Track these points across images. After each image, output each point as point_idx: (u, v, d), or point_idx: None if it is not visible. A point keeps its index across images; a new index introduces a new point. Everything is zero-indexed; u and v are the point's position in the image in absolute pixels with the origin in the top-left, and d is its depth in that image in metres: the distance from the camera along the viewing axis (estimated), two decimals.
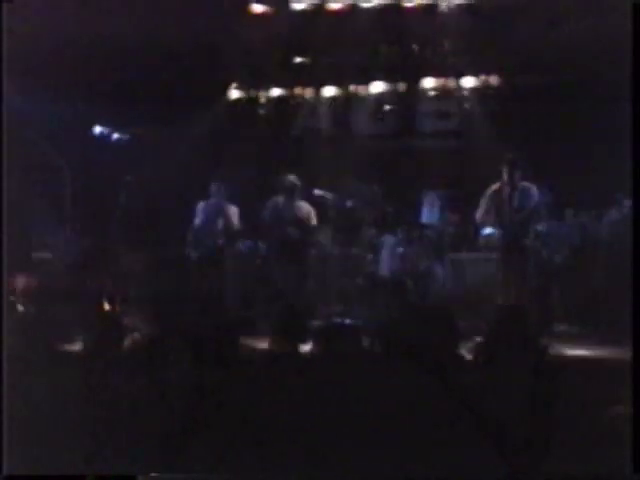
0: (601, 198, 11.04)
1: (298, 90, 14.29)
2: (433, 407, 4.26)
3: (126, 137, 13.75)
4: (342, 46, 13.20)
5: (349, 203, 12.29)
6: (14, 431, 4.42)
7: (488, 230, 10.77)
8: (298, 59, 13.85)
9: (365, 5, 12.64)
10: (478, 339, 5.75)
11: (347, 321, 10.72)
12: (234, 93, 14.28)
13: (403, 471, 4.11)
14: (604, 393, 4.58)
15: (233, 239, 11.66)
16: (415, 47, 13.43)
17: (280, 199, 11.36)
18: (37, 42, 10.45)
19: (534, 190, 10.53)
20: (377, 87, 14.04)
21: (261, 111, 14.38)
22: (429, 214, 12.40)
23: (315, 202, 11.58)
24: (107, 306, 10.78)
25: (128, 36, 11.58)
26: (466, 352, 5.18)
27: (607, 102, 10.66)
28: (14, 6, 5.25)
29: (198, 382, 4.74)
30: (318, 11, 12.71)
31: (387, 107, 14.22)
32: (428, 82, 13.86)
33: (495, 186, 10.64)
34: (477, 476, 4.13)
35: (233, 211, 11.45)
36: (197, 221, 11.58)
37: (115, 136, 13.21)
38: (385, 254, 11.55)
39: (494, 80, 13.48)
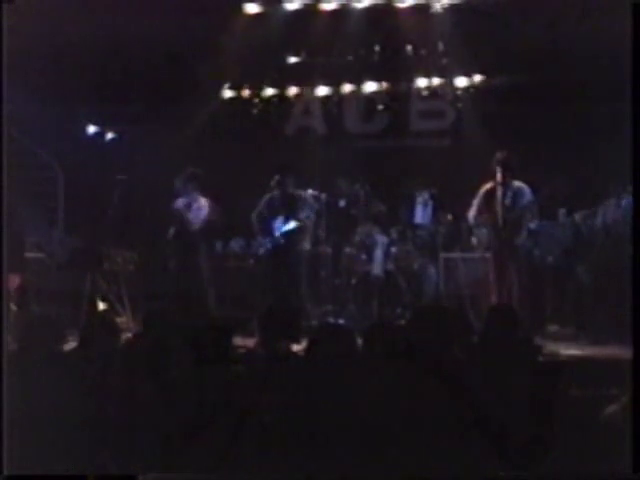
0: (596, 197, 11.05)
1: (290, 89, 14.29)
2: (429, 407, 4.27)
3: (118, 137, 13.78)
4: (334, 46, 13.20)
5: (342, 202, 12.31)
6: (14, 431, 4.41)
7: (481, 230, 10.78)
8: (290, 59, 13.85)
9: (357, 5, 12.62)
10: (472, 339, 5.77)
11: (340, 321, 10.75)
12: (226, 93, 14.27)
13: (401, 471, 4.11)
14: (602, 393, 4.60)
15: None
16: (407, 47, 13.44)
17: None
18: (37, 42, 10.45)
19: (527, 189, 10.54)
20: (370, 86, 14.04)
21: (253, 110, 14.37)
22: (422, 214, 12.40)
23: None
24: (101, 305, 10.80)
25: (125, 36, 11.58)
26: (461, 352, 5.18)
27: (606, 102, 10.74)
28: (14, 6, 5.25)
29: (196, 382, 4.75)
30: (310, 11, 12.68)
31: (380, 106, 14.23)
32: (421, 81, 13.87)
33: (488, 185, 10.65)
34: (477, 476, 4.13)
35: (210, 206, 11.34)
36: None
37: (108, 136, 13.25)
38: (378, 253, 11.55)
39: (487, 79, 13.49)
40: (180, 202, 11.16)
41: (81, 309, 10.46)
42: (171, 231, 11.20)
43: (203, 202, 11.18)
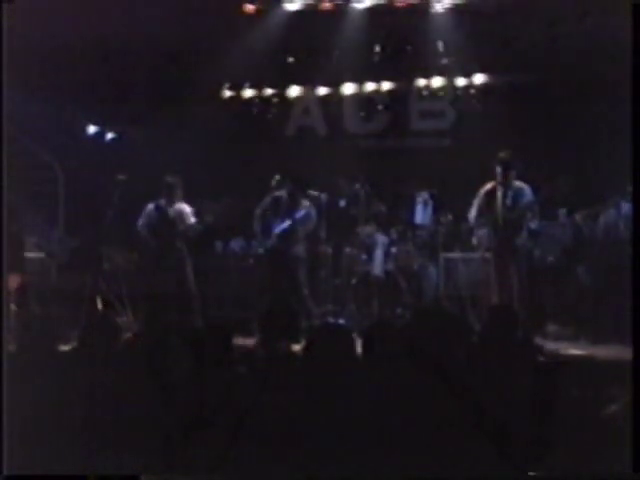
0: (596, 197, 11.06)
1: (290, 89, 14.29)
2: (429, 407, 4.26)
3: (118, 137, 13.77)
4: (334, 46, 13.21)
5: (342, 202, 12.31)
6: (14, 431, 4.40)
7: (481, 230, 10.77)
8: (290, 59, 13.84)
9: (357, 5, 12.61)
10: (472, 339, 5.76)
11: (340, 321, 10.74)
12: (226, 93, 14.27)
13: (401, 471, 4.10)
14: (603, 392, 4.59)
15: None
16: (407, 47, 13.44)
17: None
18: (37, 42, 10.46)
19: (527, 190, 10.54)
20: (370, 86, 14.04)
21: (253, 110, 14.38)
22: (422, 214, 12.40)
23: None
24: (101, 305, 10.80)
25: (125, 36, 11.58)
26: (461, 352, 5.17)
27: (606, 102, 10.74)
28: (14, 6, 5.25)
29: (196, 382, 4.74)
30: (310, 11, 12.67)
31: (380, 106, 14.24)
32: (421, 81, 13.88)
33: (488, 185, 10.64)
34: (477, 476, 4.12)
35: (186, 211, 11.33)
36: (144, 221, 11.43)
37: (108, 136, 13.25)
38: (378, 253, 11.55)
39: (487, 79, 13.49)
40: (171, 211, 11.20)
41: (81, 309, 10.45)
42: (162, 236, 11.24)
43: (187, 209, 11.24)
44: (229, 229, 12.71)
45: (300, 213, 11.11)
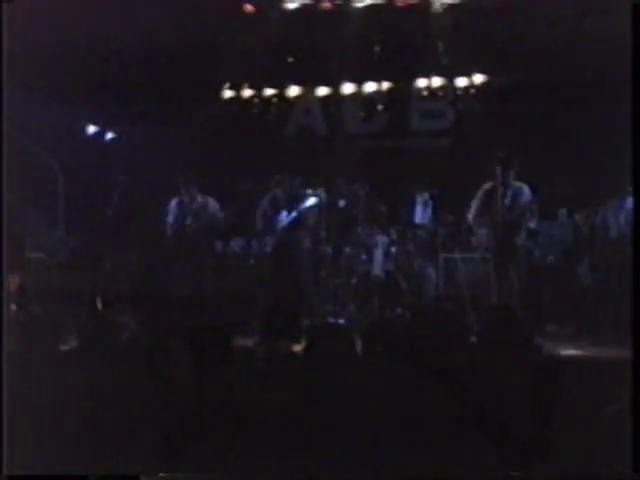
0: (596, 197, 11.06)
1: (290, 89, 14.28)
2: (429, 406, 4.26)
3: (118, 137, 13.76)
4: (334, 46, 13.20)
5: (342, 202, 12.31)
6: (14, 431, 4.40)
7: (481, 230, 10.78)
8: (290, 59, 13.84)
9: (357, 5, 12.62)
10: (472, 339, 5.76)
11: (340, 321, 10.75)
12: (226, 93, 14.26)
13: (401, 471, 4.10)
14: (602, 393, 4.59)
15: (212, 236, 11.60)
16: (407, 47, 13.43)
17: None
18: (37, 42, 10.46)
19: (526, 189, 10.55)
20: (370, 86, 14.03)
21: (253, 111, 14.37)
22: (422, 214, 12.40)
23: None
24: (101, 305, 10.79)
25: (125, 36, 11.59)
26: (460, 352, 5.17)
27: (606, 102, 10.74)
28: (14, 6, 5.25)
29: (196, 382, 4.74)
30: (310, 11, 12.68)
31: (380, 106, 14.23)
32: (421, 81, 13.87)
33: (487, 185, 10.66)
34: (477, 476, 4.13)
35: (212, 204, 11.41)
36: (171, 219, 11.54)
37: (108, 136, 13.23)
38: (378, 253, 11.55)
39: (487, 79, 13.49)
40: (195, 203, 11.28)
41: (81, 309, 10.45)
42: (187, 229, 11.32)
43: (211, 202, 11.32)
44: (231, 228, 12.71)
45: (306, 203, 11.21)
